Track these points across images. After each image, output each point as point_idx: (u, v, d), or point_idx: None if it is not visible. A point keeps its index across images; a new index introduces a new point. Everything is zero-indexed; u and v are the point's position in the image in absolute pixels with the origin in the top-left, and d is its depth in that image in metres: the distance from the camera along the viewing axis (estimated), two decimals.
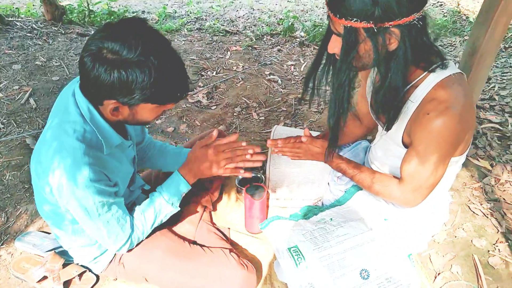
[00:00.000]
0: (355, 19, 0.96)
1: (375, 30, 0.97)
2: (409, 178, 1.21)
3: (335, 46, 1.08)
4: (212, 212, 1.69)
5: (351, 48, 1.02)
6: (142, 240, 1.32)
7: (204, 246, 1.40)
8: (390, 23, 0.95)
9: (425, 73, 1.13)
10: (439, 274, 1.64)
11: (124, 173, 1.27)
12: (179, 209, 1.34)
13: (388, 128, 1.24)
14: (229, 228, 1.62)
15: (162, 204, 1.29)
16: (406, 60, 1.02)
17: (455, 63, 3.22)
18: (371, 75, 1.39)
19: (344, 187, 1.58)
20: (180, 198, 1.34)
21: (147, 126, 2.56)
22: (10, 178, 2.13)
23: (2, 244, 1.73)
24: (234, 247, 1.51)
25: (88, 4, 4.50)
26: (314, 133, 1.83)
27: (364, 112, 1.53)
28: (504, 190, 2.08)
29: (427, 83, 1.12)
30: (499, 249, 1.73)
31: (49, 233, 1.75)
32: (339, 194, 1.58)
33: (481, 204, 1.99)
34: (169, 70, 1.03)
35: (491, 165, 2.24)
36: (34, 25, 4.05)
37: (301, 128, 2.69)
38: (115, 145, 1.18)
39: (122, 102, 1.04)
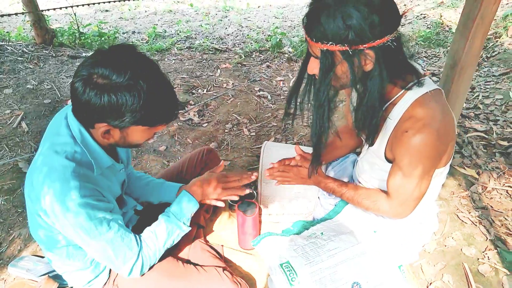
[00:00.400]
0: (330, 42, 1.01)
1: (350, 53, 1.01)
2: (395, 193, 1.25)
3: (314, 67, 1.13)
4: (206, 230, 1.71)
5: (329, 70, 1.06)
6: (155, 264, 1.30)
7: (197, 265, 1.41)
8: (364, 45, 1.00)
9: (403, 91, 1.17)
10: (430, 283, 1.66)
11: (114, 194, 1.29)
12: (190, 228, 1.34)
13: (370, 144, 1.28)
14: (222, 246, 1.63)
15: (174, 223, 1.29)
16: (381, 80, 1.06)
17: (437, 76, 3.29)
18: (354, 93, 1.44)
19: (333, 201, 1.61)
20: (190, 218, 1.34)
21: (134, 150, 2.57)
22: (2, 202, 2.13)
23: None
24: (228, 265, 1.52)
25: (78, 27, 4.54)
26: (307, 149, 1.85)
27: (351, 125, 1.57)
28: (491, 198, 2.12)
29: (405, 100, 1.16)
30: (488, 257, 1.76)
31: (42, 257, 1.75)
32: (329, 208, 1.61)
33: (469, 213, 2.03)
34: (158, 93, 1.06)
35: (478, 173, 2.28)
36: (25, 49, 4.08)
37: (291, 143, 2.74)
38: (106, 167, 1.21)
39: (113, 125, 1.06)
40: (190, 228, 1.34)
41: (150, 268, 1.29)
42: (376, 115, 1.14)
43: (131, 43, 4.39)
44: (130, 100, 1.01)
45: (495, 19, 4.63)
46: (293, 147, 1.85)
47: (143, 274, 1.27)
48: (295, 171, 1.50)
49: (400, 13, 1.05)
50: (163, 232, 1.27)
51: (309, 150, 1.85)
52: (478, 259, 1.76)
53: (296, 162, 1.50)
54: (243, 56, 4.48)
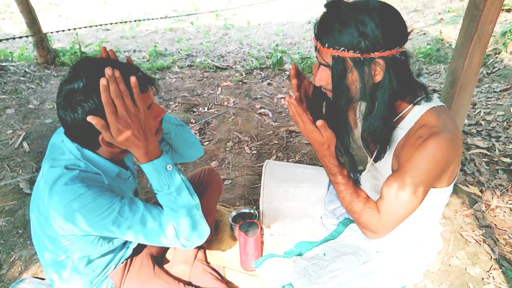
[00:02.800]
0: (342, 48, 1.02)
1: (362, 60, 1.03)
2: (388, 202, 1.18)
3: (321, 78, 1.14)
4: (207, 251, 1.70)
5: (342, 76, 1.07)
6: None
7: (199, 287, 1.40)
8: (375, 53, 1.02)
9: (411, 105, 1.18)
10: None
11: None
12: (176, 174, 1.15)
13: (376, 159, 1.27)
14: (224, 267, 1.62)
15: (165, 195, 1.14)
16: (391, 89, 1.08)
17: (438, 92, 3.31)
18: (359, 106, 1.44)
19: (336, 221, 1.59)
20: (169, 178, 1.13)
21: None
22: (3, 224, 2.12)
23: None
24: (229, 286, 1.51)
25: (80, 46, 4.60)
26: (319, 173, 1.78)
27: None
28: (495, 216, 2.10)
29: (415, 113, 1.17)
30: (493, 276, 1.74)
31: (43, 279, 1.74)
32: (331, 228, 1.60)
33: (473, 231, 2.01)
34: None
35: (481, 191, 2.27)
36: (27, 69, 4.13)
37: (293, 161, 2.73)
38: (114, 175, 1.20)
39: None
40: (181, 180, 1.15)
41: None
42: (387, 126, 1.15)
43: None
44: (98, 100, 0.99)
45: (494, 35, 4.68)
46: (296, 165, 1.85)
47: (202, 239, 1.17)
48: (309, 127, 1.21)
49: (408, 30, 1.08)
50: (165, 204, 1.15)
51: (311, 169, 1.85)
52: (483, 278, 1.74)
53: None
54: (244, 74, 4.52)
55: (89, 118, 0.99)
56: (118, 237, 1.14)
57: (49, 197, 1.06)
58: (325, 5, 1.08)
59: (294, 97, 1.19)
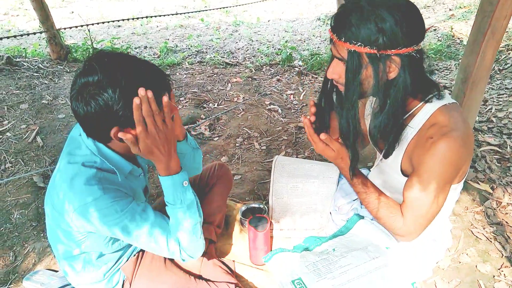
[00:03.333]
0: (359, 43, 1.01)
1: (378, 56, 1.02)
2: (410, 207, 1.21)
3: (334, 71, 1.13)
4: (217, 245, 1.72)
5: (356, 71, 1.06)
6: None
7: (209, 281, 1.42)
8: (392, 51, 1.01)
9: (422, 103, 1.18)
10: None
11: (138, 199, 1.30)
12: (193, 196, 1.22)
13: (386, 155, 1.27)
14: (234, 261, 1.63)
15: (176, 210, 1.20)
16: (405, 88, 1.07)
17: (449, 88, 3.28)
18: (370, 99, 1.44)
19: (345, 217, 1.60)
20: (183, 194, 1.19)
21: None
22: (18, 216, 2.17)
23: (10, 284, 1.75)
24: (239, 280, 1.52)
25: (92, 42, 4.64)
26: (328, 168, 1.82)
27: (364, 131, 1.57)
28: (506, 213, 2.09)
29: (425, 111, 1.17)
30: (504, 274, 1.73)
31: (56, 271, 1.77)
32: (341, 223, 1.60)
33: (484, 228, 2.00)
34: (134, 72, 1.05)
35: (492, 188, 2.25)
36: (40, 65, 4.18)
37: (302, 157, 2.74)
38: (127, 172, 1.23)
39: (119, 125, 1.06)
40: (193, 197, 1.22)
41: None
42: (397, 124, 1.15)
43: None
44: (111, 94, 1.01)
45: (507, 31, 4.62)
46: (305, 161, 1.86)
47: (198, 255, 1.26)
48: (319, 147, 1.27)
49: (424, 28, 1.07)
50: (174, 217, 1.20)
51: (321, 165, 1.86)
52: (493, 276, 1.73)
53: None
54: (253, 70, 4.53)
55: (120, 135, 1.04)
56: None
57: (65, 193, 1.08)
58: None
59: (309, 117, 1.25)
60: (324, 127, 1.30)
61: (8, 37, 4.19)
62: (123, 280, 1.40)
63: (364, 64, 1.05)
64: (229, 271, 1.52)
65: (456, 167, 1.14)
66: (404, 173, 1.28)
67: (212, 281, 1.41)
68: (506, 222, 2.02)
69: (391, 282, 1.35)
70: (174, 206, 1.18)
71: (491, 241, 1.91)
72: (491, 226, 2.01)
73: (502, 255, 1.84)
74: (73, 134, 1.22)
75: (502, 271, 1.75)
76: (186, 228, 1.18)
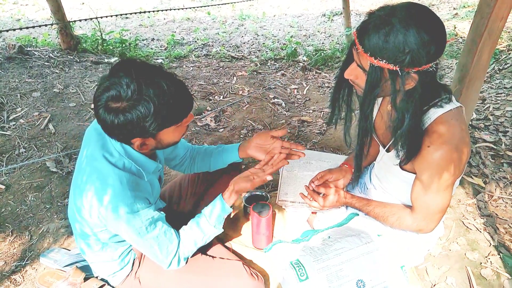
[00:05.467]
0: (384, 60, 1.03)
1: (399, 73, 1.04)
2: (419, 207, 1.33)
3: (352, 73, 1.17)
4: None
5: (376, 85, 1.10)
6: (188, 258, 1.42)
7: (216, 257, 1.51)
8: (414, 68, 1.04)
9: (425, 108, 1.22)
10: (434, 285, 1.74)
11: (156, 192, 1.42)
12: (222, 230, 1.44)
13: (401, 162, 1.32)
14: (231, 243, 1.74)
15: (208, 225, 1.39)
16: (420, 98, 1.11)
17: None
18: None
19: (344, 215, 1.69)
20: (222, 221, 1.43)
21: None
22: (32, 199, 2.28)
23: (27, 260, 1.87)
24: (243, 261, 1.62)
25: (101, 34, 4.74)
26: (339, 157, 2.02)
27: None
28: (497, 206, 2.19)
29: (428, 115, 1.22)
30: (491, 261, 1.83)
31: (69, 250, 1.89)
32: (338, 219, 1.69)
33: (474, 219, 2.10)
34: (167, 92, 1.10)
35: (485, 182, 2.35)
36: (51, 54, 4.28)
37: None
38: (152, 170, 1.34)
39: (143, 137, 1.16)
40: (222, 230, 1.44)
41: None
42: (419, 133, 1.20)
43: (140, 55, 4.52)
44: (144, 111, 1.06)
45: (509, 31, 4.68)
46: (307, 152, 1.96)
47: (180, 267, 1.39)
48: (323, 206, 1.57)
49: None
50: (198, 233, 1.38)
51: (322, 156, 1.96)
52: (481, 263, 1.83)
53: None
54: (258, 64, 4.62)
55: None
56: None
57: (95, 187, 1.17)
58: (380, 8, 1.06)
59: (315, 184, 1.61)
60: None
61: (20, 28, 4.28)
62: (133, 259, 1.50)
63: (385, 79, 1.08)
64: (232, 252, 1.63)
65: (453, 172, 1.22)
66: (404, 168, 1.38)
67: (219, 257, 1.51)
68: (496, 214, 2.13)
69: (381, 265, 1.46)
70: (208, 223, 1.39)
71: (480, 232, 2.02)
72: (481, 218, 2.11)
73: (490, 244, 1.94)
74: (98, 127, 1.25)
75: (489, 258, 1.85)
76: (197, 244, 1.39)
